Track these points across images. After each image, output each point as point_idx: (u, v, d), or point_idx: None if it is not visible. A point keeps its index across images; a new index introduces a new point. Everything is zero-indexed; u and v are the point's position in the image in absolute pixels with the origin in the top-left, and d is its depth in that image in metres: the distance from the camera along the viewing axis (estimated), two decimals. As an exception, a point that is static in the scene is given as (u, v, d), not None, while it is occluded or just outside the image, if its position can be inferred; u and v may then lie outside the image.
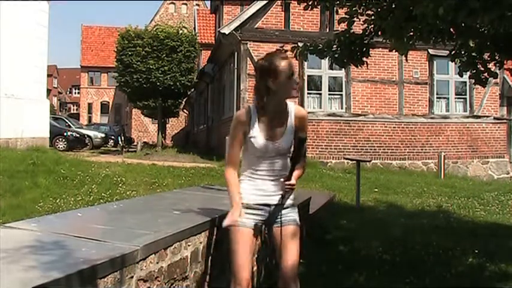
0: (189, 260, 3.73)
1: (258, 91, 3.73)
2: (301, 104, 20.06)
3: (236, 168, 3.84)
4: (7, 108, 15.49)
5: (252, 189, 3.80)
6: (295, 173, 3.78)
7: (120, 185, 11.77)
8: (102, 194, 10.92)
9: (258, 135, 3.74)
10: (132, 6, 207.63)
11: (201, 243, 3.92)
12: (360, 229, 8.97)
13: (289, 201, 3.88)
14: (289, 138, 3.78)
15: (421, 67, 20.98)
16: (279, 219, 3.80)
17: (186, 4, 60.10)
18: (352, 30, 7.17)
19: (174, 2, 60.90)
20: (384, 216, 10.55)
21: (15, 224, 3.40)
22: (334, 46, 7.23)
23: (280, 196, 3.80)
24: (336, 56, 7.23)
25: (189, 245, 3.71)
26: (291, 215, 3.87)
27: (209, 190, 6.55)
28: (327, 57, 7.40)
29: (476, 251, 7.68)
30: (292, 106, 3.85)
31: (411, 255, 7.34)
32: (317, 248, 7.39)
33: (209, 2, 35.21)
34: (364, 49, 7.27)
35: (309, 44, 7.33)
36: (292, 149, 3.79)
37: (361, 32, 7.20)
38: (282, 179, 3.78)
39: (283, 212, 3.83)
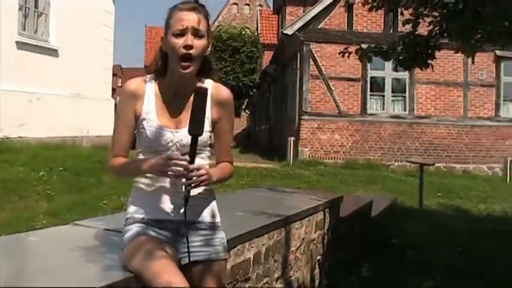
0: (251, 262, 3.74)
1: (156, 52, 2.67)
2: (364, 105, 19.95)
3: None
4: (73, 106, 15.88)
5: (144, 203, 2.61)
6: (211, 168, 2.60)
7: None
8: (166, 192, 11.05)
9: (152, 116, 2.56)
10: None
11: (263, 244, 3.93)
12: (423, 233, 8.87)
13: (206, 217, 2.67)
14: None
15: (487, 69, 20.50)
16: (187, 251, 2.52)
17: (248, 5, 60.35)
18: (417, 32, 7.10)
19: (237, 2, 61.24)
20: (448, 220, 10.40)
21: (84, 222, 3.50)
22: (399, 48, 7.17)
23: (192, 210, 2.56)
24: (401, 58, 7.16)
25: (252, 247, 3.72)
26: (214, 243, 2.63)
27: (271, 191, 6.55)
28: (391, 60, 7.36)
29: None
30: (209, 84, 2.65)
31: (475, 261, 7.21)
32: (381, 251, 7.34)
33: (272, 2, 35.21)
34: (430, 51, 7.18)
35: (373, 45, 7.29)
36: (209, 147, 2.66)
37: (426, 33, 7.13)
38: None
39: (198, 237, 2.60)
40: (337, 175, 15.81)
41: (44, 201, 10.31)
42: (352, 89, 20.02)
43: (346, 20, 20.19)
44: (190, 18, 2.49)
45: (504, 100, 20.93)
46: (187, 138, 2.49)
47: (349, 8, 20.06)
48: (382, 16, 19.35)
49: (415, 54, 7.07)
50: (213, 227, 2.66)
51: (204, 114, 2.46)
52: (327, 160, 19.26)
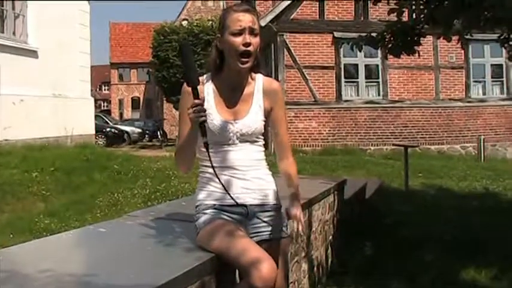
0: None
1: (212, 51, 2.92)
2: (339, 92, 20.30)
3: None
4: (55, 107, 16.00)
5: (213, 189, 2.84)
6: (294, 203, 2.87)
7: (172, 178, 12.09)
8: (157, 187, 11.28)
9: (213, 111, 2.81)
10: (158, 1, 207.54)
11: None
12: (414, 212, 9.19)
13: (271, 199, 2.90)
14: (256, 117, 2.86)
15: (456, 51, 20.95)
16: (259, 230, 2.84)
17: (212, -4, 60.30)
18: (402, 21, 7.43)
19: (201, -5, 61.07)
20: (435, 199, 10.77)
21: (135, 213, 3.74)
22: (387, 36, 7.49)
23: (258, 193, 2.84)
24: (390, 46, 7.50)
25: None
26: (278, 222, 2.87)
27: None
28: (380, 48, 7.69)
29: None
30: (260, 78, 2.95)
31: (471, 235, 7.54)
32: (377, 231, 7.64)
33: (238, -6, 35.30)
34: (416, 38, 7.53)
35: (364, 35, 7.61)
36: (262, 136, 2.93)
37: (408, 21, 7.46)
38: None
39: (264, 218, 2.85)
40: (320, 162, 16.12)
41: (41, 202, 10.52)
42: (326, 77, 20.32)
43: (317, 9, 20.41)
44: (246, 19, 2.77)
45: (474, 81, 21.47)
46: (246, 128, 2.83)
47: (320, -4, 20.33)
48: (353, 4, 19.67)
49: (403, 41, 7.39)
50: (276, 208, 2.90)
51: (194, 62, 2.77)
52: (306, 148, 19.59)
